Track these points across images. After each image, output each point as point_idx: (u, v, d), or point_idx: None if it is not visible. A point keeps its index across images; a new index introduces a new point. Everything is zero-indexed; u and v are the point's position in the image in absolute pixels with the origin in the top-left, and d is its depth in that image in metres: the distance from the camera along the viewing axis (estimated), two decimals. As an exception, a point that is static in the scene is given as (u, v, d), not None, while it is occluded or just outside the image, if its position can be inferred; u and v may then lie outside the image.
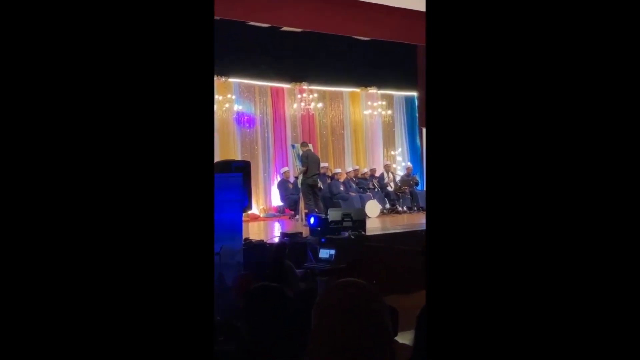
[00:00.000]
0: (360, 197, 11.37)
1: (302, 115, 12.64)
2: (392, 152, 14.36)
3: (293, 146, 11.69)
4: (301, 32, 11.15)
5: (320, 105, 12.82)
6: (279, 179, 11.79)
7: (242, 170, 6.63)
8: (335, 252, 5.90)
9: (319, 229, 7.12)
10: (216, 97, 10.90)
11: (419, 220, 9.78)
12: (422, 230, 7.37)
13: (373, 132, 14.01)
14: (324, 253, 5.99)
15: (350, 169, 12.55)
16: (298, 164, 10.62)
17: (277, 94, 12.44)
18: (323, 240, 6.68)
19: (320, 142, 12.94)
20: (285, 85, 12.49)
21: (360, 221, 7.46)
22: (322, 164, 10.75)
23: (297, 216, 10.49)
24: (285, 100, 12.53)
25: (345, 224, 7.28)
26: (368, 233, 7.52)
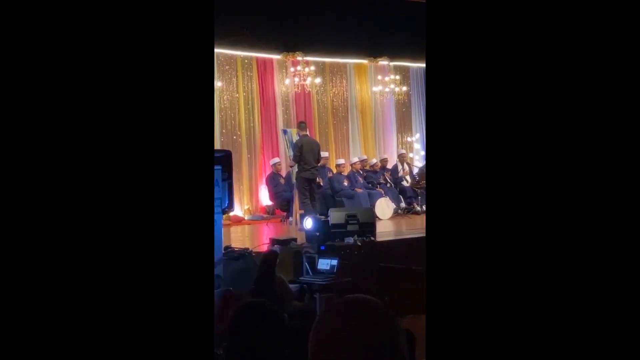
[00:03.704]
0: (369, 195, 11.40)
1: (296, 94, 12.64)
2: (408, 139, 14.39)
3: (285, 131, 11.67)
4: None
5: (318, 80, 12.82)
6: (267, 172, 11.81)
7: (221, 162, 6.61)
8: (338, 263, 5.90)
9: (317, 234, 7.12)
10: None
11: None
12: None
13: (384, 113, 14.02)
14: (324, 264, 5.98)
15: (356, 159, 12.56)
16: (290, 153, 10.59)
17: (264, 67, 12.43)
18: (323, 247, 6.69)
19: (318, 127, 12.95)
20: (275, 57, 12.48)
21: (368, 224, 7.47)
22: (321, 154, 10.74)
23: (290, 218, 10.50)
24: (275, 74, 12.53)
25: (350, 227, 7.29)
26: (378, 239, 7.54)
